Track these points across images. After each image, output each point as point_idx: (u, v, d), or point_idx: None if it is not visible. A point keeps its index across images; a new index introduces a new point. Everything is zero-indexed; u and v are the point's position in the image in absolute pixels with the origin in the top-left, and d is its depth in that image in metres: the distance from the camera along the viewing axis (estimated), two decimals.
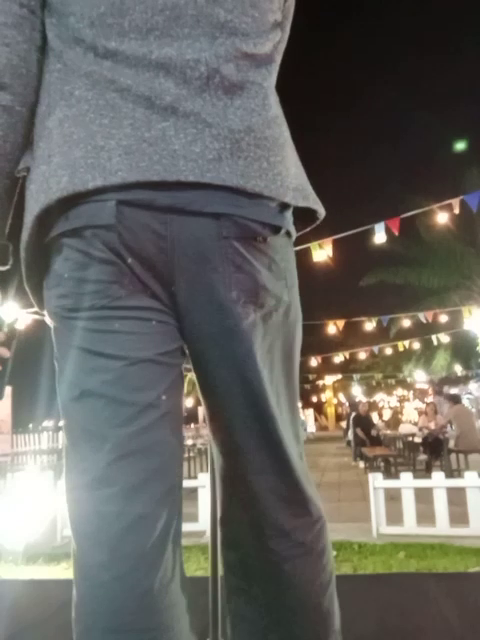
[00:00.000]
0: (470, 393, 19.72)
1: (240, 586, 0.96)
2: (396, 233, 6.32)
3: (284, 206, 0.88)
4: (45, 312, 0.90)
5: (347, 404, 24.39)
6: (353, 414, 13.39)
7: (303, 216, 0.95)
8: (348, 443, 13.68)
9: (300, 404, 1.01)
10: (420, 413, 16.28)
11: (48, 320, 0.90)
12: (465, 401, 12.66)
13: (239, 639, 0.96)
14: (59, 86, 0.83)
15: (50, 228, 0.83)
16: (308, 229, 1.00)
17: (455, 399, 8.88)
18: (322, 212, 0.96)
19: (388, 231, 6.29)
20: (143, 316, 0.83)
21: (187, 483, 4.18)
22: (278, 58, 0.96)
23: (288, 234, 0.91)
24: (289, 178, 0.87)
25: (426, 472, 7.54)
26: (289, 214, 0.89)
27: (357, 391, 31.72)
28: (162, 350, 0.84)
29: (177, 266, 0.82)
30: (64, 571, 3.51)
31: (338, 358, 15.65)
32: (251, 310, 0.85)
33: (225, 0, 0.84)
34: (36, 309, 0.92)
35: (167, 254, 0.81)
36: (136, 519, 0.80)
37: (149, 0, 0.82)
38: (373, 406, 26.22)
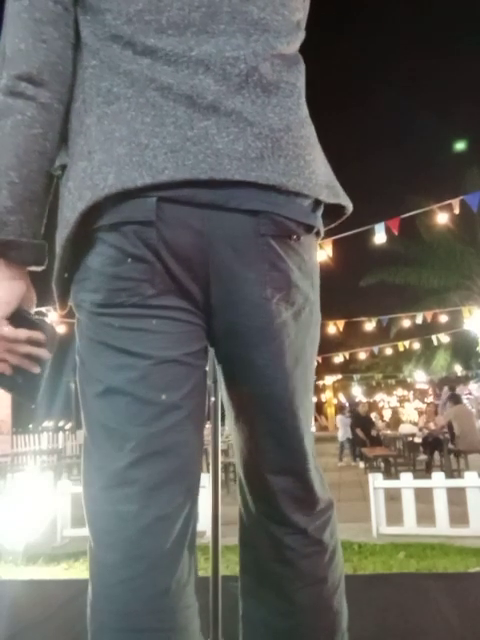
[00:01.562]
0: (470, 393, 19.71)
1: (254, 586, 0.97)
2: (396, 233, 6.32)
3: (316, 204, 0.88)
4: (70, 305, 0.89)
5: (348, 404, 24.42)
6: (339, 417, 13.45)
7: (331, 212, 0.95)
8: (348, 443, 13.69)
9: None
10: (420, 413, 16.30)
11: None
12: (465, 401, 12.63)
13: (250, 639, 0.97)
14: (95, 82, 0.83)
15: (87, 223, 0.81)
16: (335, 224, 1.01)
17: (455, 399, 8.87)
18: (350, 207, 0.96)
19: (388, 231, 6.29)
20: (171, 316, 0.83)
21: None
22: None
23: (317, 233, 0.91)
24: (321, 176, 0.88)
25: (426, 472, 7.54)
26: (320, 213, 0.90)
27: (357, 391, 31.72)
28: (187, 350, 0.84)
29: (213, 263, 0.82)
30: (64, 571, 3.52)
31: (338, 358, 15.65)
32: (283, 308, 0.85)
33: None
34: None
35: (203, 250, 0.81)
36: (155, 520, 0.80)
37: None
38: (373, 406, 26.22)
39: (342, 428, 12.39)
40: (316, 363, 0.97)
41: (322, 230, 0.93)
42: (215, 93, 0.81)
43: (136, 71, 0.81)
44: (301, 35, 0.93)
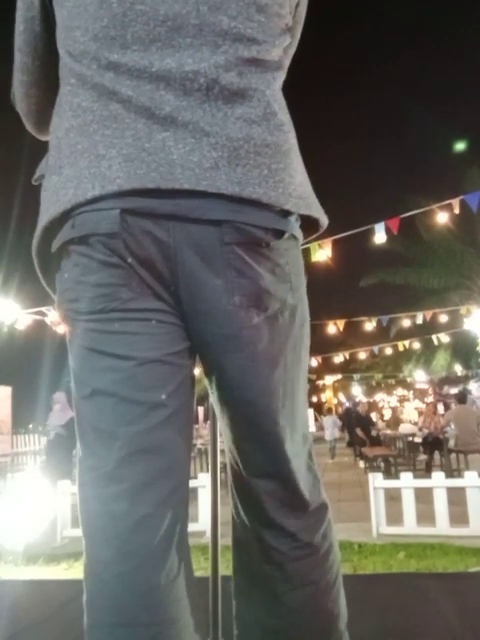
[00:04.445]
0: (470, 393, 19.72)
1: (246, 587, 0.97)
2: (396, 233, 6.32)
3: (287, 211, 0.88)
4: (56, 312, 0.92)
5: (347, 404, 24.44)
6: (331, 418, 13.80)
7: (306, 224, 0.95)
8: (348, 444, 13.72)
9: None
10: (420, 413, 16.29)
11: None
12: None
13: None
14: (70, 98, 0.86)
15: (61, 237, 0.85)
16: (310, 239, 1.01)
17: (460, 398, 8.85)
18: (325, 221, 0.96)
19: (388, 231, 6.29)
20: (151, 317, 0.85)
21: None
22: (287, 63, 0.95)
23: (294, 237, 0.91)
24: (292, 185, 0.87)
25: (426, 472, 7.54)
26: (293, 218, 0.89)
27: (357, 391, 31.72)
28: (170, 351, 0.86)
29: (180, 273, 0.83)
30: (64, 571, 3.52)
31: (338, 358, 15.65)
32: (254, 314, 0.85)
33: (229, 7, 0.84)
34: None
35: (170, 260, 0.82)
36: (144, 517, 0.81)
37: (151, 11, 0.82)
38: (373, 406, 26.21)
39: (330, 428, 12.95)
40: (307, 365, 0.97)
41: (299, 234, 0.92)
42: (174, 106, 0.82)
43: (100, 85, 0.83)
44: (283, 41, 0.91)
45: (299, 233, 0.92)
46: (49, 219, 0.83)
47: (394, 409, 20.63)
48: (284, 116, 0.90)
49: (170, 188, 0.80)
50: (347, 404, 24.64)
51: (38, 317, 7.52)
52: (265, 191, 0.83)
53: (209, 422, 1.61)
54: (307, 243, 1.02)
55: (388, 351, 16.53)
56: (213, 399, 0.94)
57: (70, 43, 0.86)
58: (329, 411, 18.36)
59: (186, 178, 0.80)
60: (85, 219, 0.82)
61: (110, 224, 0.80)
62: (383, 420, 17.85)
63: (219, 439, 1.64)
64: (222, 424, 0.94)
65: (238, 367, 0.86)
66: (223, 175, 0.81)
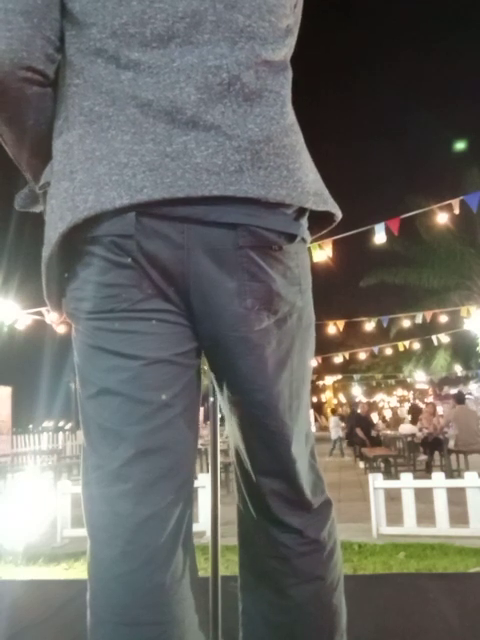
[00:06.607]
0: (470, 393, 19.72)
1: (252, 582, 0.98)
2: (396, 233, 6.31)
3: (300, 213, 0.88)
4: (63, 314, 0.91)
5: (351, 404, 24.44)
6: (332, 418, 14.42)
7: (320, 219, 0.96)
8: (348, 443, 13.74)
9: None
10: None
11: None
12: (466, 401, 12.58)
13: (249, 636, 0.98)
14: (77, 101, 0.84)
15: (70, 237, 0.83)
16: (325, 231, 1.02)
17: (459, 399, 8.84)
18: (339, 215, 0.97)
19: (388, 231, 6.28)
20: (161, 318, 0.85)
21: None
22: (288, 61, 0.96)
23: (303, 240, 0.92)
24: (308, 184, 0.88)
25: (426, 472, 7.54)
26: (304, 221, 0.90)
27: (357, 391, 31.75)
28: (178, 351, 0.86)
29: (193, 274, 0.83)
30: (64, 571, 3.51)
31: (338, 358, 15.65)
32: (265, 317, 0.86)
33: (243, 6, 0.84)
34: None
35: (183, 263, 0.83)
36: (149, 516, 0.82)
37: (170, 8, 0.82)
38: (373, 406, 26.21)
39: (334, 428, 13.98)
40: (312, 366, 0.98)
41: (308, 237, 0.93)
42: (195, 105, 0.81)
43: (117, 89, 0.82)
44: (290, 41, 0.92)
45: (308, 236, 0.93)
46: (68, 226, 0.81)
47: (394, 409, 20.64)
48: (293, 116, 0.91)
49: (200, 196, 0.79)
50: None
51: (38, 317, 7.54)
52: (287, 192, 0.84)
53: (209, 422, 1.61)
54: (320, 238, 1.02)
55: (388, 351, 16.56)
56: (221, 399, 0.95)
57: (84, 40, 0.83)
58: (333, 412, 18.61)
59: (214, 184, 0.80)
60: (100, 221, 0.81)
61: (125, 225, 0.80)
62: (384, 421, 17.85)
63: (219, 439, 1.64)
64: (230, 422, 0.95)
65: (248, 369, 0.87)
66: (248, 178, 0.81)
